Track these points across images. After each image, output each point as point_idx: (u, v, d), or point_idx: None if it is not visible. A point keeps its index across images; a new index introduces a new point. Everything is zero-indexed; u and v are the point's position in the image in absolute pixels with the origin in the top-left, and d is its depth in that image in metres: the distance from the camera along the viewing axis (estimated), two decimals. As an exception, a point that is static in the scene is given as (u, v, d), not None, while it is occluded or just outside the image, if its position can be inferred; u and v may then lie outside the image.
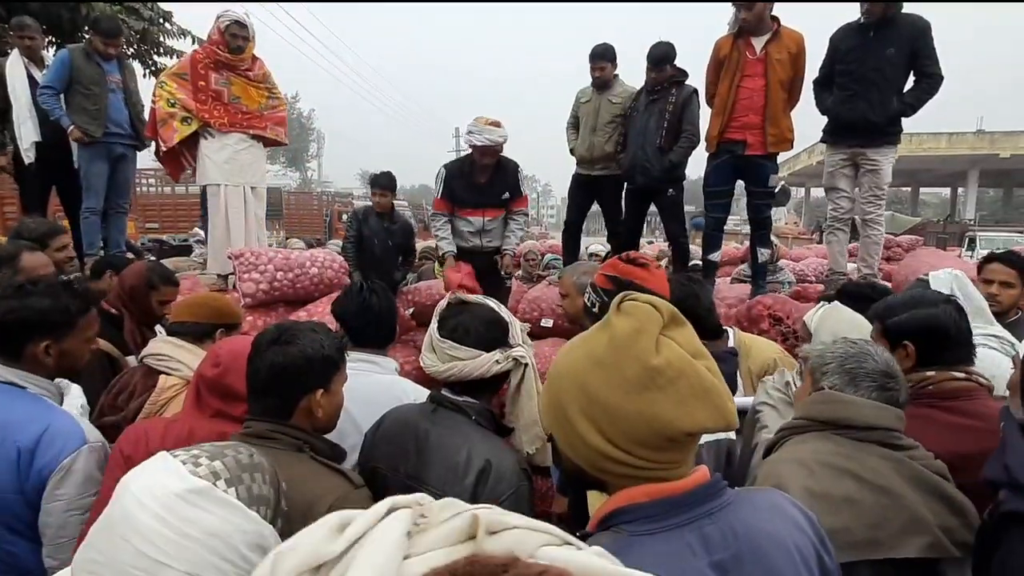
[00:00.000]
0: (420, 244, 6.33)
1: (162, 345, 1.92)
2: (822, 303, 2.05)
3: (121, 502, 0.76)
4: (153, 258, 5.09)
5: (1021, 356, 1.39)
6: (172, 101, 4.13)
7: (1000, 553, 1.15)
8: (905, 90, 3.62)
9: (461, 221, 3.99)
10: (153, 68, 8.55)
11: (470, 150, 3.87)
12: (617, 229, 4.59)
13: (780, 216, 12.82)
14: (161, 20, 8.34)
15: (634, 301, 0.88)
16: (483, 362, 1.46)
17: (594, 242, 7.64)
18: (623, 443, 0.83)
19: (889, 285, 3.73)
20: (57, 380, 1.59)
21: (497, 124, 3.73)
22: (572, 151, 4.59)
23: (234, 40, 4.10)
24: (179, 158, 4.44)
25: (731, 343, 2.52)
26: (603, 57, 4.29)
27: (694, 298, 2.02)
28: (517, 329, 1.59)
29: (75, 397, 1.59)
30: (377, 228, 4.32)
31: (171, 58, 8.57)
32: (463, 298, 1.58)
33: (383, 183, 4.27)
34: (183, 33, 8.54)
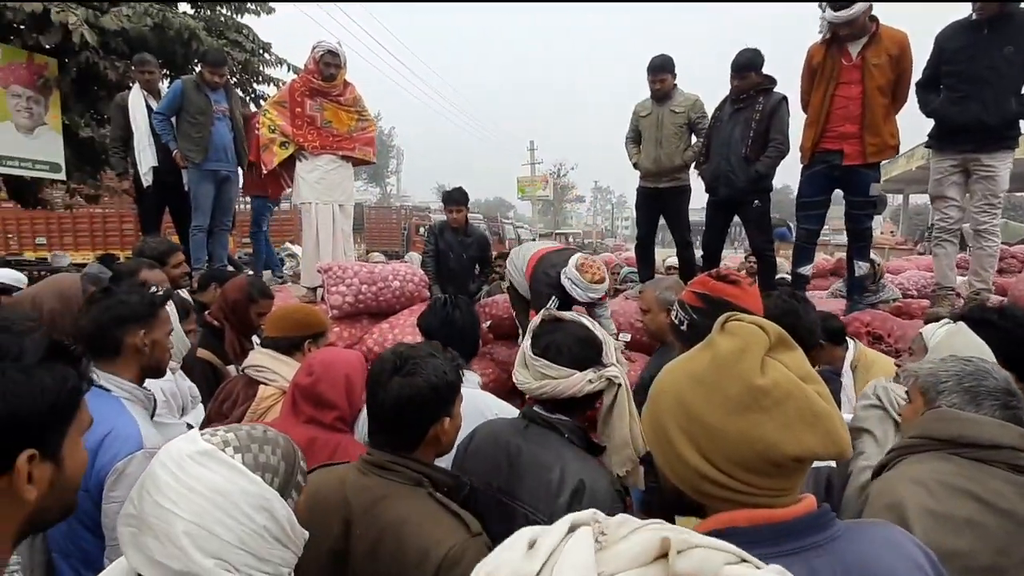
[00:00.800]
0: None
1: (260, 357, 2.04)
2: (946, 321, 1.88)
3: (151, 466, 0.89)
4: (251, 272, 5.47)
5: None
6: (273, 127, 4.49)
7: None
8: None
9: None
10: (253, 95, 9.23)
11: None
12: (686, 240, 4.46)
13: (876, 225, 11.98)
14: (261, 51, 8.98)
15: (739, 321, 0.85)
16: (575, 381, 1.44)
17: (670, 255, 7.46)
18: (723, 464, 0.79)
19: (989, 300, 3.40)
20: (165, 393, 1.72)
21: (602, 280, 3.20)
22: (635, 165, 4.53)
23: (327, 68, 4.38)
24: (279, 179, 4.84)
25: (850, 357, 2.35)
26: (663, 69, 4.22)
27: (794, 315, 1.91)
28: (611, 348, 1.57)
29: (181, 381, 1.69)
30: (453, 242, 4.43)
31: (269, 86, 9.20)
32: (557, 315, 1.57)
33: (456, 199, 4.38)
34: (280, 62, 9.16)
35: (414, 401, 1.24)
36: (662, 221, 4.67)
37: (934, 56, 3.53)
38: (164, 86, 5.54)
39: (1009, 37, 3.22)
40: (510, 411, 1.83)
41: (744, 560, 0.49)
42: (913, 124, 3.77)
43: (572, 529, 0.53)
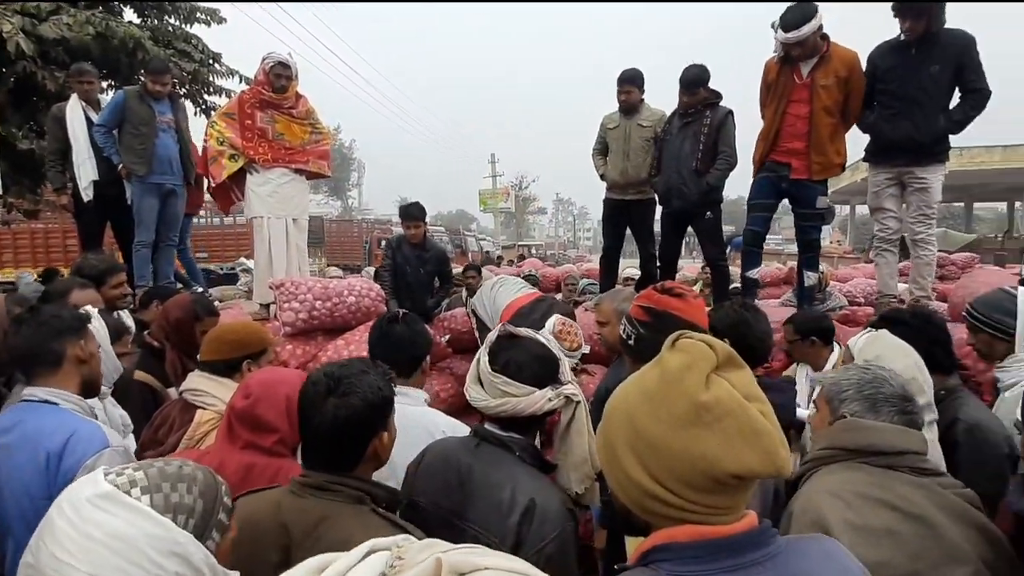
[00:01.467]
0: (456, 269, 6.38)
1: (197, 380, 1.95)
2: (868, 329, 1.96)
3: (49, 512, 0.83)
4: (199, 289, 5.28)
5: None
6: (221, 139, 4.36)
7: None
8: (951, 106, 3.48)
9: None
10: (204, 106, 8.98)
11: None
12: (650, 253, 4.53)
13: (825, 235, 12.43)
14: (211, 62, 8.77)
15: (689, 339, 0.86)
16: (536, 399, 1.42)
17: (630, 266, 7.55)
18: (668, 481, 0.80)
19: (937, 309, 3.55)
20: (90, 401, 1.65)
21: (580, 347, 3.08)
22: (602, 176, 4.59)
23: (278, 80, 4.29)
24: (229, 192, 4.68)
25: (834, 359, 2.38)
26: (631, 82, 4.29)
27: (745, 326, 1.97)
28: (567, 365, 1.56)
29: (112, 408, 1.63)
30: (411, 256, 4.38)
31: (220, 97, 8.98)
32: (512, 331, 1.55)
33: (414, 214, 4.34)
34: (231, 73, 8.96)
35: (352, 421, 1.21)
36: (629, 232, 4.72)
37: (868, 74, 3.67)
38: (107, 96, 5.33)
39: (935, 57, 3.39)
40: (459, 428, 1.79)
41: None
42: (857, 138, 3.92)
43: (369, 553, 0.51)
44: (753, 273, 4.00)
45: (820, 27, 3.41)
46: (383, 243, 16.01)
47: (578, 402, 1.50)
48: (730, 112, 3.86)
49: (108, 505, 0.81)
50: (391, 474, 1.60)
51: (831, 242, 12.25)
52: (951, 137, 3.57)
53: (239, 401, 1.49)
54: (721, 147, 3.83)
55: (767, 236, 4.07)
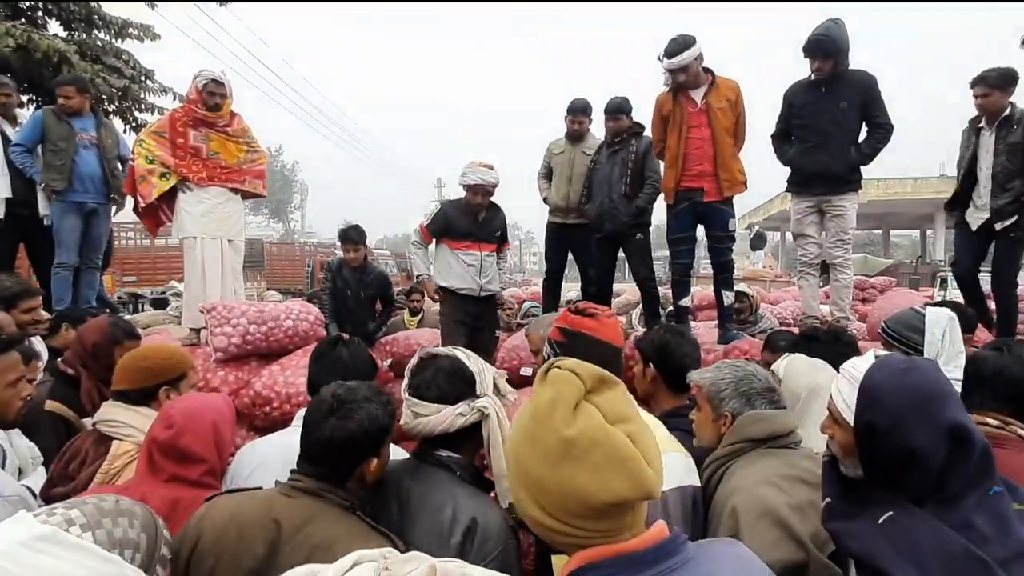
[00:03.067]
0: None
1: (112, 409, 1.83)
2: (786, 355, 2.08)
3: None
4: (125, 314, 5.02)
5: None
6: (150, 158, 4.15)
7: None
8: (860, 140, 3.77)
9: (460, 257, 4.05)
10: (135, 124, 8.63)
11: (462, 192, 4.09)
12: (590, 276, 4.63)
13: (757, 260, 13.05)
14: (143, 78, 8.47)
15: (558, 368, 0.88)
16: (444, 417, 1.43)
17: (572, 289, 7.66)
18: (559, 515, 0.82)
19: (850, 327, 3.79)
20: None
21: (490, 167, 4.00)
22: (545, 200, 4.71)
23: (211, 98, 4.16)
24: (157, 213, 4.43)
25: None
26: (583, 112, 4.52)
27: (668, 348, 2.02)
28: (488, 378, 1.56)
29: (19, 440, 1.50)
30: (351, 280, 4.32)
31: (153, 114, 8.68)
32: (432, 351, 1.56)
33: (353, 238, 4.30)
34: (164, 90, 8.67)
35: (346, 444, 1.28)
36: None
37: (784, 111, 3.96)
38: (28, 112, 5.05)
39: (842, 95, 3.69)
40: (398, 452, 1.77)
41: None
42: (785, 169, 4.17)
43: (356, 565, 0.52)
44: (685, 301, 4.15)
45: (700, 56, 3.68)
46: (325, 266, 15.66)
47: (489, 415, 1.50)
48: (652, 141, 4.07)
49: (49, 547, 0.75)
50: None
51: (764, 266, 12.86)
52: (864, 168, 3.84)
53: (160, 432, 1.42)
54: (648, 172, 4.03)
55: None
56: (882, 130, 3.72)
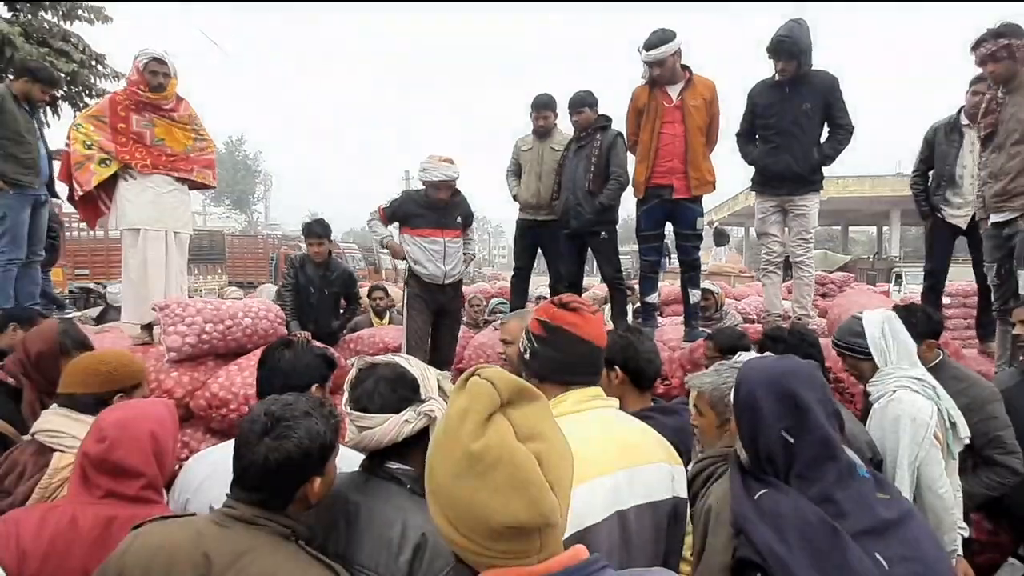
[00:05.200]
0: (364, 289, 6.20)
1: (53, 419, 1.72)
2: (751, 352, 2.09)
3: None
4: (73, 310, 4.79)
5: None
6: (89, 143, 3.90)
7: None
8: (822, 140, 3.83)
9: (423, 244, 4.01)
10: (83, 110, 8.25)
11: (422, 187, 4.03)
12: (560, 273, 4.62)
13: (720, 256, 13.26)
14: (93, 62, 8.09)
15: (477, 377, 0.83)
16: (391, 426, 1.35)
17: (541, 284, 7.66)
18: (463, 530, 0.79)
19: (814, 327, 3.86)
20: None
21: (450, 161, 3.97)
22: (515, 197, 4.68)
23: (154, 77, 3.93)
24: (96, 202, 4.15)
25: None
26: (547, 107, 4.46)
27: (631, 349, 2.00)
28: (432, 381, 1.49)
29: None
30: (314, 276, 4.21)
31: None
32: (371, 361, 1.49)
33: (317, 232, 4.18)
34: (117, 76, 8.29)
35: (284, 467, 1.18)
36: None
37: (748, 111, 4.00)
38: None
39: (806, 96, 3.74)
40: (350, 457, 1.70)
41: None
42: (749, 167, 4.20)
43: None
44: (652, 298, 4.18)
45: (679, 51, 3.70)
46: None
47: (436, 419, 1.43)
48: (620, 134, 4.05)
49: None
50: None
51: (726, 261, 13.06)
52: (825, 168, 3.91)
53: (92, 446, 1.32)
54: (612, 168, 3.99)
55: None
56: (843, 131, 3.79)
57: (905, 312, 2.65)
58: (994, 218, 3.31)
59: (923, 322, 2.59)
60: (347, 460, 1.70)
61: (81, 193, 3.97)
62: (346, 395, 1.43)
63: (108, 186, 4.04)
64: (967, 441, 2.11)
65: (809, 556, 1.12)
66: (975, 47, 3.18)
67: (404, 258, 4.14)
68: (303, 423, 1.20)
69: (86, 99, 8.27)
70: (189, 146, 4.19)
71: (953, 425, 2.05)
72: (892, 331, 2.18)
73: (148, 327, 4.00)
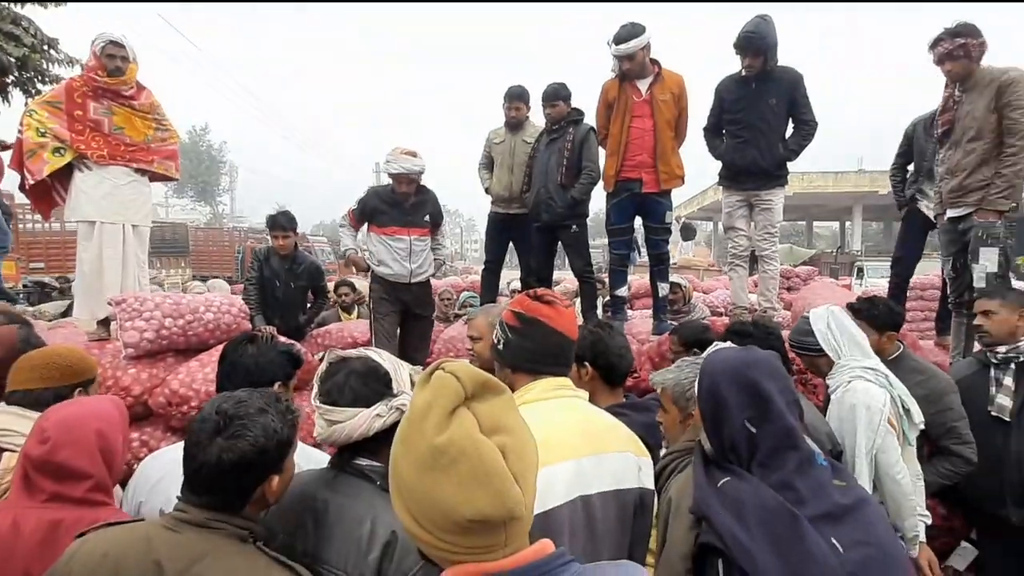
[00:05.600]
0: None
1: (3, 417, 1.64)
2: (715, 345, 2.11)
3: None
4: (25, 305, 4.59)
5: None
6: (42, 131, 3.73)
7: None
8: (787, 136, 3.89)
9: (388, 243, 3.97)
10: (35, 97, 7.90)
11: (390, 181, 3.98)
12: (531, 266, 4.61)
13: (688, 250, 13.49)
14: (45, 47, 7.73)
15: (440, 371, 0.83)
16: (362, 420, 1.34)
17: (515, 277, 7.65)
18: (426, 525, 0.79)
19: (779, 320, 3.94)
20: None
21: (413, 154, 3.90)
22: (487, 190, 4.65)
23: (111, 61, 3.77)
24: (50, 193, 3.99)
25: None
26: (519, 98, 4.44)
27: (602, 344, 2.01)
28: (404, 375, 1.48)
29: None
30: (280, 270, 4.10)
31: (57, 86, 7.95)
32: (341, 354, 1.47)
33: (282, 224, 4.07)
34: (71, 61, 7.95)
35: (239, 466, 1.13)
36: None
37: (716, 105, 4.03)
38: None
39: (771, 91, 3.79)
40: (321, 459, 1.67)
41: None
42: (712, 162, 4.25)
43: None
44: (622, 291, 4.20)
45: (648, 45, 3.71)
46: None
47: None
48: (593, 128, 4.04)
49: None
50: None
51: (694, 255, 13.30)
52: (789, 163, 3.97)
53: (34, 447, 1.25)
54: (584, 162, 3.99)
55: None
56: (807, 127, 3.85)
57: (868, 304, 2.74)
58: (950, 213, 3.40)
59: (885, 314, 2.67)
60: (314, 459, 1.68)
61: (32, 182, 3.79)
62: (315, 388, 1.41)
63: (63, 176, 3.88)
64: (922, 426, 2.17)
65: (769, 541, 1.15)
66: (933, 46, 3.27)
67: (367, 269, 4.08)
68: (258, 420, 1.16)
69: (39, 85, 7.92)
70: (150, 136, 4.04)
71: (907, 411, 2.11)
72: (838, 325, 2.24)
73: (105, 322, 3.86)
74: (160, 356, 3.55)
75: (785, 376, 1.37)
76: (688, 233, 13.58)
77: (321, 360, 3.87)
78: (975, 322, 2.65)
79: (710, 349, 1.82)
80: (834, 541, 1.16)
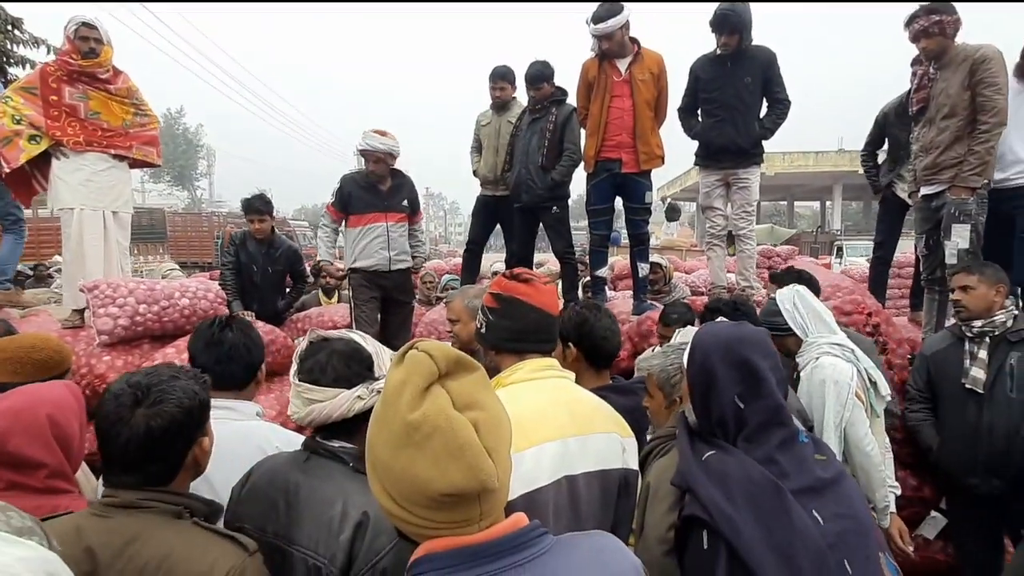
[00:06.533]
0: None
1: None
2: (679, 329, 2.14)
3: None
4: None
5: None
6: (17, 117, 3.65)
7: (686, 554, 1.27)
8: (761, 114, 3.90)
9: (365, 232, 3.89)
10: (3, 80, 7.64)
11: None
12: (514, 249, 4.59)
13: (673, 231, 13.55)
14: (10, 27, 7.46)
15: (415, 350, 0.84)
16: (342, 401, 1.33)
17: (498, 260, 7.63)
18: (401, 502, 0.80)
19: (755, 295, 3.98)
20: None
21: (383, 133, 3.85)
22: (475, 173, 4.62)
23: (84, 43, 3.67)
24: (30, 181, 3.94)
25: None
26: (503, 78, 4.37)
27: (587, 325, 2.01)
28: (385, 359, 1.47)
29: None
30: (256, 254, 4.05)
31: (23, 68, 7.71)
32: (323, 334, 1.45)
33: (257, 207, 4.01)
34: (36, 42, 7.68)
35: (169, 431, 1.13)
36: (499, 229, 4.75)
37: (691, 84, 4.02)
38: None
39: (747, 70, 3.78)
40: (295, 443, 1.66)
41: None
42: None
43: None
44: (602, 272, 4.21)
45: (627, 24, 3.68)
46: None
47: None
48: (575, 109, 4.00)
49: None
50: (213, 497, 1.45)
51: (678, 236, 13.36)
52: (771, 141, 3.98)
53: (-16, 438, 1.23)
54: (566, 143, 3.94)
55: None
56: (781, 106, 3.87)
57: (788, 271, 3.03)
58: (924, 190, 3.45)
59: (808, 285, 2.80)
60: (294, 443, 1.67)
61: (8, 170, 3.73)
62: (295, 366, 1.39)
63: (43, 163, 3.82)
64: (888, 398, 2.22)
65: (754, 512, 1.17)
66: (908, 23, 3.27)
67: (343, 278, 4.02)
68: (175, 384, 1.16)
69: (5, 67, 7.65)
70: (128, 121, 3.96)
71: (874, 384, 2.16)
72: (803, 304, 2.27)
73: (81, 311, 3.80)
74: (136, 343, 3.50)
75: (775, 354, 1.38)
76: (673, 214, 13.64)
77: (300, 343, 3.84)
78: (953, 296, 2.67)
79: (687, 333, 1.84)
80: (815, 513, 1.19)
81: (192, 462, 1.18)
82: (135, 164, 4.14)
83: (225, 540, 1.13)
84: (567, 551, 0.86)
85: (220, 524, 1.33)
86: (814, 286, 2.77)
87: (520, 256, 4.37)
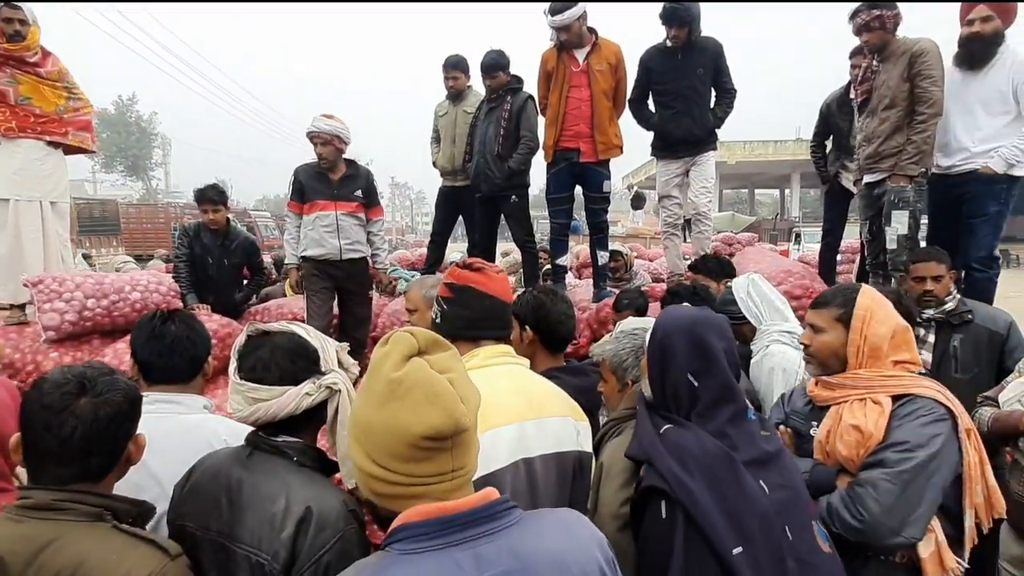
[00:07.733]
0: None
1: None
2: (628, 315, 2.19)
3: None
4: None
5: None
6: None
7: (644, 525, 1.34)
8: (712, 104, 4.01)
9: (315, 221, 3.81)
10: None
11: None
12: (476, 239, 4.60)
13: (639, 219, 13.72)
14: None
15: (397, 331, 0.94)
16: (290, 398, 1.30)
17: (457, 251, 7.61)
18: (380, 458, 0.88)
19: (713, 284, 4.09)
20: None
21: (330, 116, 3.79)
22: (435, 164, 4.59)
23: (8, 25, 3.49)
24: None
25: None
26: (456, 67, 4.35)
27: (543, 309, 2.05)
28: (331, 352, 1.46)
29: None
30: (212, 246, 3.96)
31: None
32: (263, 328, 1.41)
33: (211, 197, 3.91)
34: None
35: (115, 420, 1.13)
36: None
37: (641, 76, 4.07)
38: None
39: (698, 61, 3.87)
40: (239, 436, 1.63)
41: None
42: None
43: None
44: (563, 260, 4.26)
45: (584, 14, 3.70)
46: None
47: (340, 391, 1.39)
48: (531, 97, 4.01)
49: None
50: (161, 494, 1.42)
51: (643, 224, 13.53)
52: (731, 131, 4.13)
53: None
54: (522, 132, 3.94)
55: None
56: (729, 95, 3.99)
57: (702, 260, 3.33)
58: (867, 179, 3.58)
59: (715, 268, 3.21)
60: (238, 434, 1.65)
61: None
62: (234, 364, 1.34)
63: None
64: None
65: (709, 482, 1.25)
66: (852, 17, 3.38)
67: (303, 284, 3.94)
68: (116, 377, 1.17)
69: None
70: (61, 106, 3.78)
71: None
72: (757, 292, 2.35)
73: (22, 306, 3.65)
74: (85, 339, 3.40)
75: (732, 339, 1.45)
76: (639, 203, 13.79)
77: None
78: (925, 287, 2.66)
79: (631, 321, 1.90)
80: (761, 483, 1.28)
81: (125, 459, 1.17)
82: (70, 150, 3.96)
83: (145, 544, 1.10)
84: (535, 523, 0.92)
85: (158, 523, 1.30)
86: (723, 267, 3.24)
87: (482, 246, 4.37)
